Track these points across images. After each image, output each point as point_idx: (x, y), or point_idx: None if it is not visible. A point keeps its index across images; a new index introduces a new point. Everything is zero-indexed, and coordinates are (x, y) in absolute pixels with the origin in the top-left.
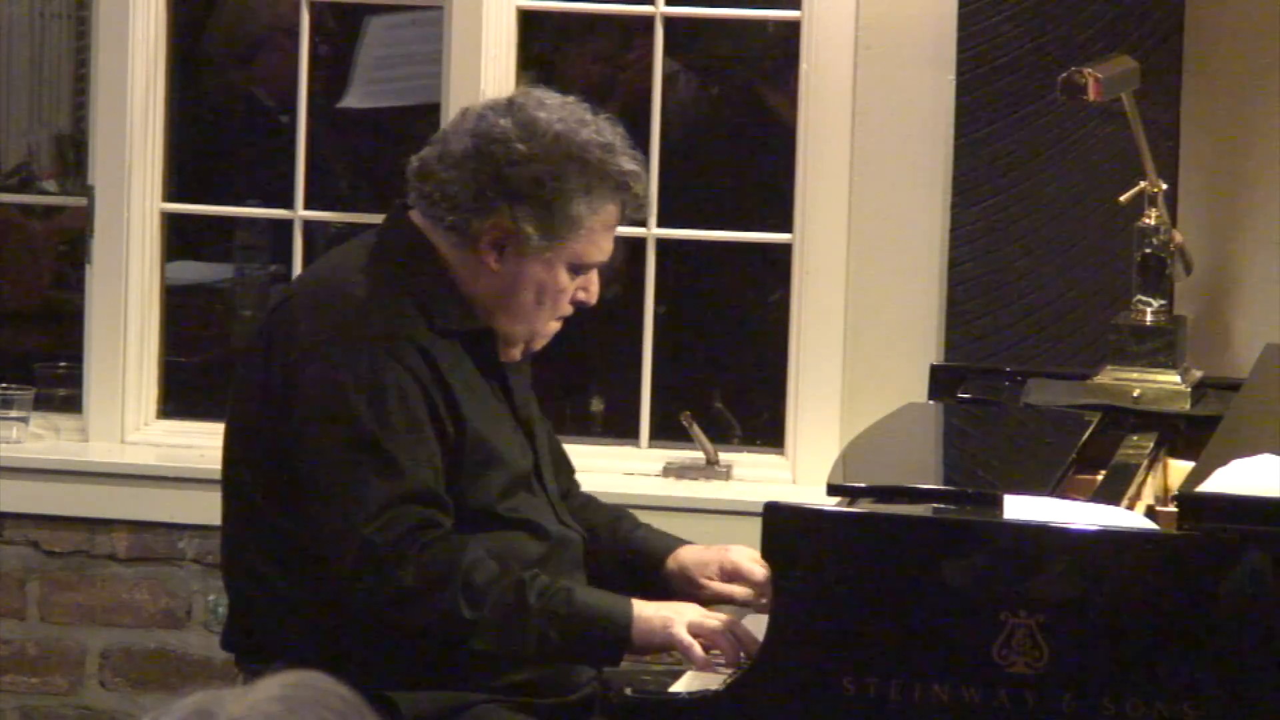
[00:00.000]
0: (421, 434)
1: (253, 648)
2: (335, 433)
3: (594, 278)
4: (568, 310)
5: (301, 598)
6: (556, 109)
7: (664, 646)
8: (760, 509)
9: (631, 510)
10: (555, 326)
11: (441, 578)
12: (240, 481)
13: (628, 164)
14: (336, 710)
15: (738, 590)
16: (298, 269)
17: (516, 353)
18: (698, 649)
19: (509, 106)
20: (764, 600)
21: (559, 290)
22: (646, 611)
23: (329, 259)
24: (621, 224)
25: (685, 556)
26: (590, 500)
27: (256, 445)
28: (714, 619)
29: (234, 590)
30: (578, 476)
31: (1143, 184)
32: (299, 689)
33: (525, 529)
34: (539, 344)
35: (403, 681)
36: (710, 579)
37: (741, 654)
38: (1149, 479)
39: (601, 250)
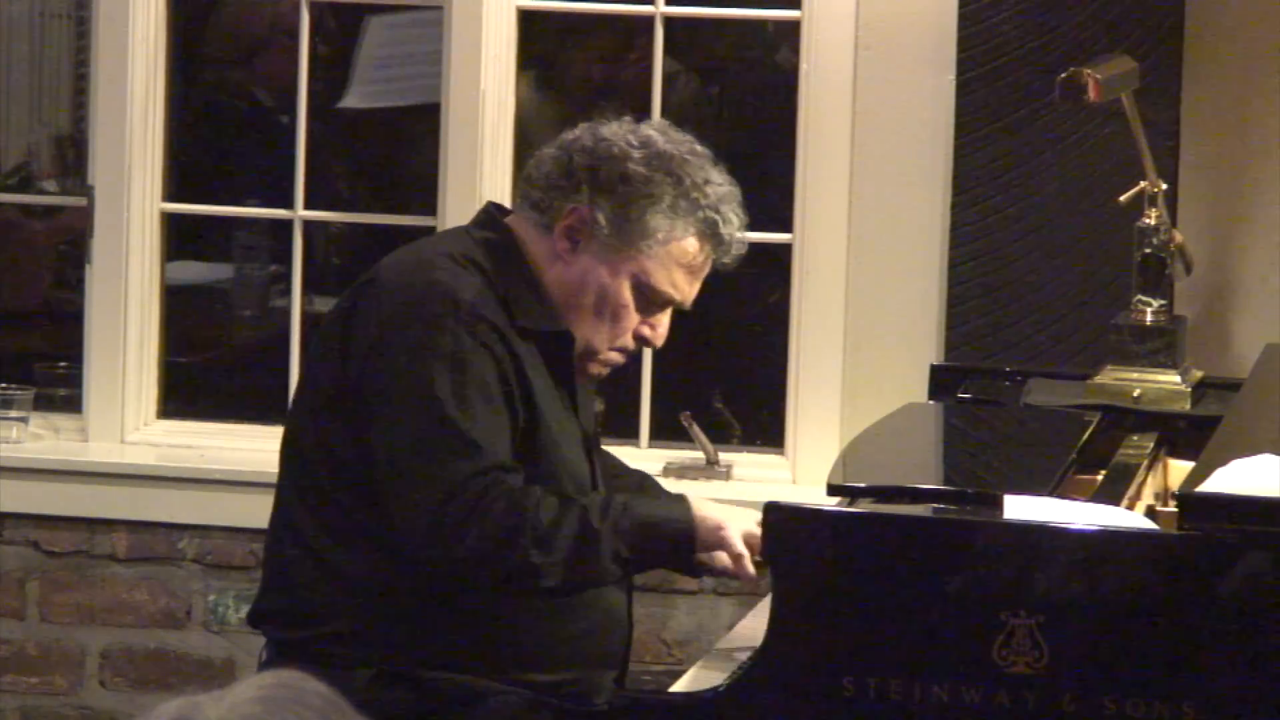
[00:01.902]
0: (497, 408)
1: (286, 620)
2: (415, 408)
3: (663, 318)
4: (629, 342)
5: (352, 573)
6: (679, 137)
7: (717, 546)
8: (760, 509)
9: None
10: (614, 357)
11: (508, 533)
12: (303, 453)
13: (725, 208)
14: (315, 708)
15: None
16: (298, 269)
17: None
18: (747, 559)
19: (634, 119)
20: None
21: (620, 304)
22: (704, 511)
23: (417, 246)
24: (705, 267)
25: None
26: (616, 462)
27: (328, 416)
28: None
29: (278, 561)
30: None
31: (1143, 184)
32: (277, 689)
33: None
34: (595, 369)
35: (434, 661)
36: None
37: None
38: (1149, 479)
39: (673, 284)
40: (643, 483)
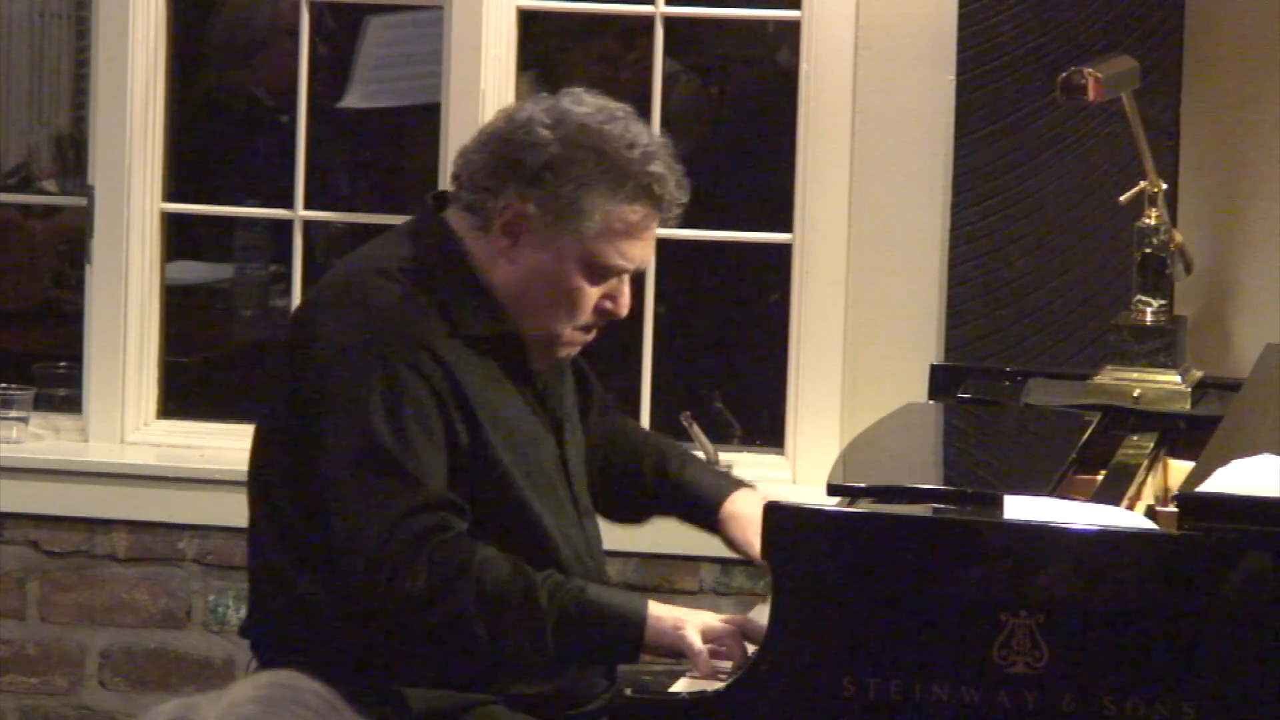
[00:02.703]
0: (435, 444)
1: (270, 641)
2: (353, 443)
3: (622, 288)
4: (591, 318)
5: (320, 596)
6: (592, 105)
7: (673, 649)
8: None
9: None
10: (580, 336)
11: (451, 582)
12: (266, 480)
13: (655, 167)
14: (313, 708)
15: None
16: (298, 269)
17: (535, 355)
18: (705, 656)
19: (548, 98)
20: None
21: (572, 289)
22: (659, 611)
23: (357, 256)
24: (650, 229)
25: (742, 506)
26: (631, 433)
27: (282, 445)
28: (725, 623)
29: (255, 586)
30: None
31: (1143, 184)
32: (274, 689)
33: (537, 532)
34: (563, 352)
35: (416, 680)
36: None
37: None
38: (1149, 479)
39: (622, 254)
40: (663, 456)
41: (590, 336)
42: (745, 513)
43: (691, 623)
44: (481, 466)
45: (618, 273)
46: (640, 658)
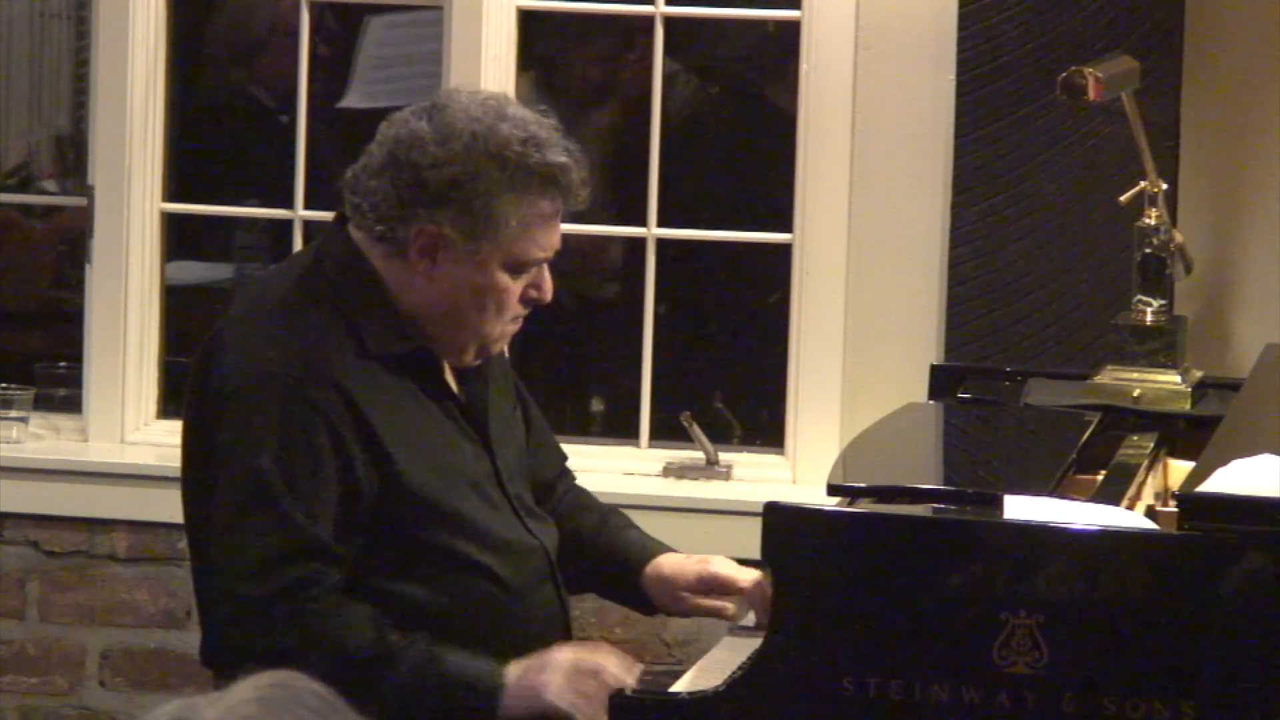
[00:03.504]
0: (325, 486)
1: (221, 664)
2: (234, 480)
3: (544, 275)
4: (519, 310)
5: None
6: (476, 107)
7: (544, 713)
8: (760, 509)
9: (631, 510)
10: (511, 328)
11: (310, 642)
12: (187, 503)
13: (554, 155)
14: (313, 708)
15: (724, 606)
16: None
17: (469, 357)
18: (581, 708)
19: (429, 110)
20: (747, 617)
21: (501, 291)
22: (513, 680)
23: (264, 280)
24: (561, 217)
25: (665, 565)
26: (582, 499)
27: (192, 473)
28: (585, 672)
29: (203, 614)
30: (578, 477)
31: (1143, 184)
32: (274, 689)
33: (470, 551)
34: (495, 347)
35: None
36: (690, 590)
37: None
38: (1149, 479)
39: (540, 246)
40: (607, 517)
41: (519, 326)
42: (670, 568)
43: (548, 689)
44: (394, 496)
45: (538, 263)
46: None
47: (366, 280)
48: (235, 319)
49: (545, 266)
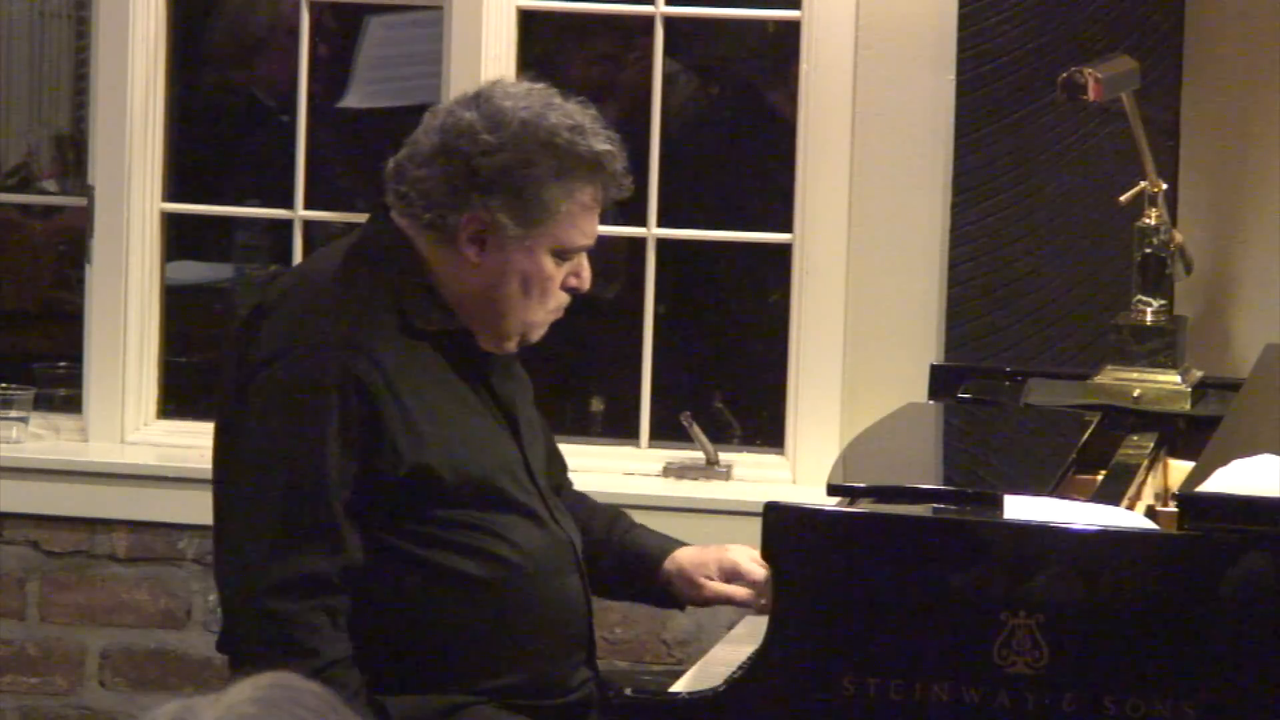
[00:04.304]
0: (350, 454)
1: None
2: (259, 470)
3: (584, 263)
4: (562, 298)
5: None
6: (522, 96)
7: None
8: (760, 509)
9: (631, 510)
10: (551, 317)
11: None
12: (218, 484)
13: (600, 144)
14: (311, 708)
15: (737, 591)
16: None
17: (511, 344)
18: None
19: (475, 99)
20: (763, 601)
21: (546, 278)
22: None
23: (307, 263)
24: (603, 205)
25: (683, 557)
26: (584, 501)
27: (222, 449)
28: None
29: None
30: (577, 477)
31: (1143, 184)
32: (273, 690)
33: (496, 531)
34: (535, 334)
35: (391, 685)
36: (709, 579)
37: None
38: (1149, 479)
39: (584, 234)
40: (614, 519)
41: (559, 315)
42: (688, 560)
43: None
44: (428, 468)
45: (581, 250)
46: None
47: (411, 262)
48: (277, 295)
49: (585, 255)
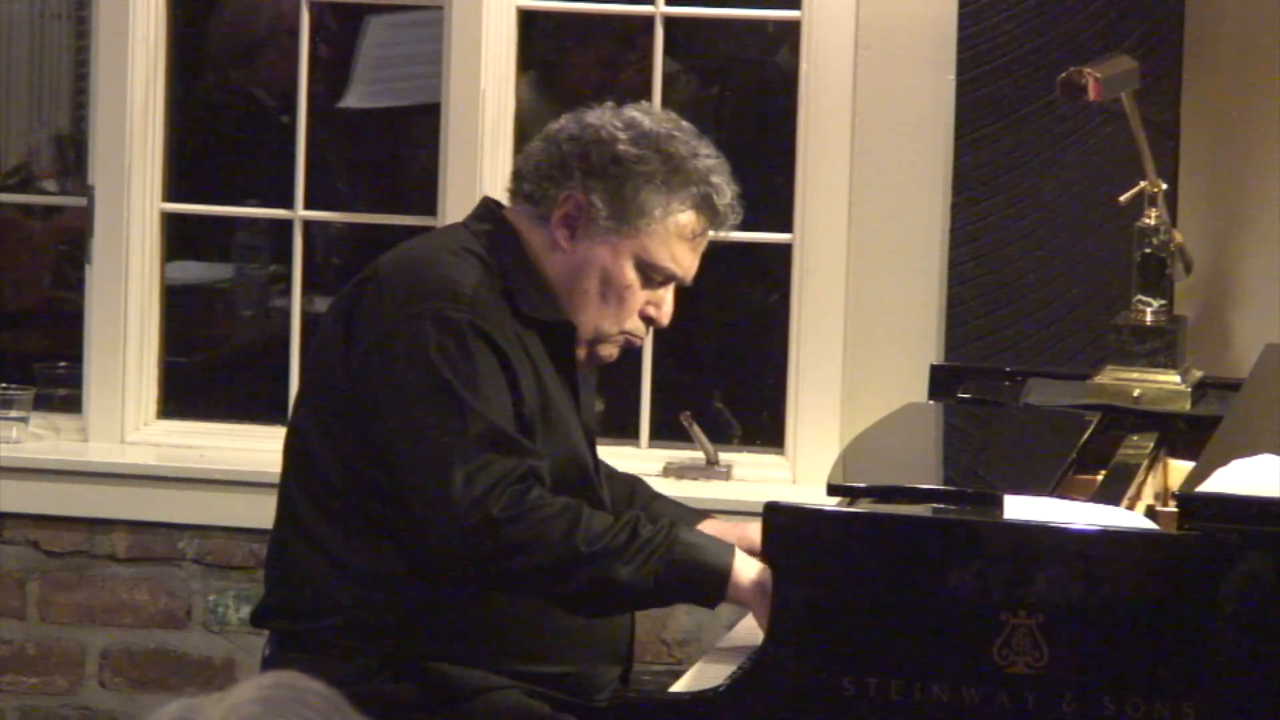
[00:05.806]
0: (503, 391)
1: (294, 613)
2: (426, 398)
3: (667, 297)
4: (637, 323)
5: (358, 565)
6: (659, 115)
7: (753, 602)
8: (760, 509)
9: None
10: (623, 339)
11: (558, 525)
12: (308, 450)
13: (716, 179)
14: (316, 708)
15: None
16: (298, 269)
17: (581, 352)
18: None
19: (615, 106)
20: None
21: (625, 285)
22: (740, 571)
23: (416, 242)
24: (703, 240)
25: (706, 530)
26: (607, 469)
27: (333, 413)
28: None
29: (284, 557)
30: None
31: (1143, 184)
32: (277, 689)
33: (592, 497)
34: (604, 350)
35: (438, 653)
36: None
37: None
38: (1149, 479)
39: (674, 259)
40: (634, 486)
41: (637, 343)
42: (712, 530)
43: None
44: (545, 434)
45: (667, 276)
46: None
47: (514, 247)
48: (390, 264)
49: (670, 289)
